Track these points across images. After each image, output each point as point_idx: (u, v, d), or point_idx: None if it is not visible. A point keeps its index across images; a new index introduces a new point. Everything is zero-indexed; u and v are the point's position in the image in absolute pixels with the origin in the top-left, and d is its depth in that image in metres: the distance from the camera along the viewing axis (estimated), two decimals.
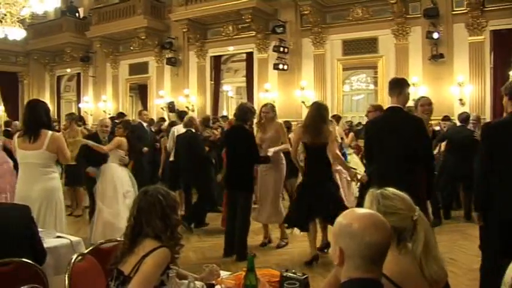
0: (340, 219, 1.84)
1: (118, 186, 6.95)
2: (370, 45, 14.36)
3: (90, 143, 7.01)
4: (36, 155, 5.00)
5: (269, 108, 7.11)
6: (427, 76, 13.10)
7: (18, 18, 11.52)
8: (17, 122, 12.19)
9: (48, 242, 3.73)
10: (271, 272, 3.02)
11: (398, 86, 4.91)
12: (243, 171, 6.52)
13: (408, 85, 5.03)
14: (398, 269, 2.04)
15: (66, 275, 2.82)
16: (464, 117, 8.65)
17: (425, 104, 5.78)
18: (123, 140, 7.09)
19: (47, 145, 4.98)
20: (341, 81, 15.45)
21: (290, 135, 9.27)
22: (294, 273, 2.71)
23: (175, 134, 9.02)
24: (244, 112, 6.70)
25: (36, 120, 5.06)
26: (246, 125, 6.69)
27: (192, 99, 17.52)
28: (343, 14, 14.64)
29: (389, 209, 2.12)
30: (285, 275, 2.69)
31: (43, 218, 4.93)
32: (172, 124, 10.83)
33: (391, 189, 2.23)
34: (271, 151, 6.69)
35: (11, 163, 7.56)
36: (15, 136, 5.24)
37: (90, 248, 3.29)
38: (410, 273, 2.07)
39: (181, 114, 9.58)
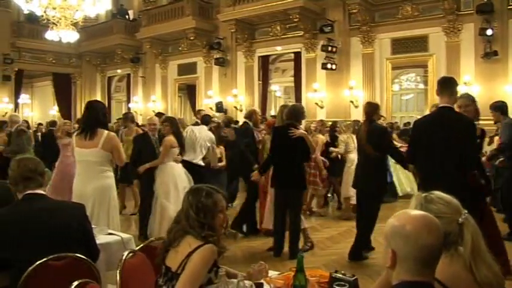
0: (392, 220, 1.82)
1: (178, 183, 7.04)
2: (420, 43, 14.08)
3: (148, 165, 7.11)
4: (91, 153, 5.16)
5: None
6: (479, 75, 12.74)
7: (71, 21, 11.85)
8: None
9: (100, 238, 3.80)
10: (321, 273, 3.00)
11: (449, 85, 4.81)
12: (295, 169, 6.49)
13: (457, 84, 4.92)
14: (450, 273, 1.99)
15: (118, 271, 2.86)
16: None
17: (462, 105, 5.46)
18: (172, 138, 7.10)
19: (102, 144, 5.13)
20: (390, 80, 15.22)
21: (341, 137, 9.27)
22: (343, 274, 2.69)
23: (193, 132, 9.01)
24: (297, 112, 6.70)
25: (93, 120, 5.24)
26: (299, 125, 6.66)
27: (241, 99, 17.61)
28: (392, 12, 14.43)
29: (432, 213, 2.07)
30: (334, 275, 2.67)
31: (96, 215, 5.08)
32: (194, 124, 10.82)
33: (436, 193, 2.18)
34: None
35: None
36: (74, 135, 5.44)
37: (141, 245, 3.34)
38: (461, 277, 2.02)
39: (205, 118, 9.48)
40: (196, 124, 9.95)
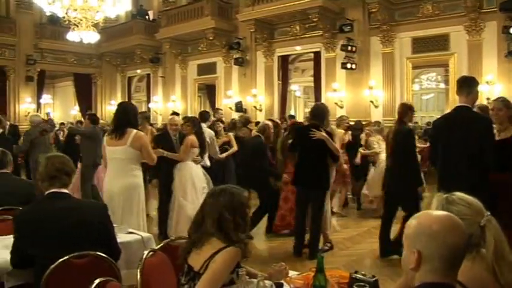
0: (416, 221, 1.80)
1: (196, 182, 7.05)
2: (441, 42, 13.89)
3: (166, 153, 7.12)
4: (120, 151, 5.29)
5: None
6: (502, 74, 12.56)
7: (92, 22, 11.96)
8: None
9: (121, 237, 3.82)
10: (340, 273, 2.99)
11: (467, 85, 4.78)
12: (319, 169, 6.47)
13: (477, 84, 4.87)
14: (472, 275, 1.97)
15: (138, 270, 2.89)
16: None
17: (495, 108, 5.28)
18: (193, 138, 7.11)
19: (130, 142, 5.25)
20: (410, 80, 15.07)
21: (371, 138, 9.27)
22: (363, 275, 2.67)
23: None
24: (321, 111, 6.67)
25: (124, 120, 5.39)
26: (322, 125, 6.59)
27: (260, 99, 17.61)
28: (412, 10, 14.28)
29: (453, 214, 2.05)
30: (354, 276, 2.66)
31: (124, 213, 5.20)
32: None
33: (458, 194, 2.16)
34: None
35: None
36: (105, 135, 5.61)
37: (161, 244, 3.36)
38: (484, 280, 2.00)
39: (204, 115, 9.47)
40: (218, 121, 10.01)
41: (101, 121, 12.54)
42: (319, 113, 6.64)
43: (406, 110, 6.43)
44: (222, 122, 9.84)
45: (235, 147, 9.10)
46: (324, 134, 6.34)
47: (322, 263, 2.54)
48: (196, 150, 7.12)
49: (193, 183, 7.03)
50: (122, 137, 5.28)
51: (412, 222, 1.81)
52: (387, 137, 6.95)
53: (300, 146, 6.74)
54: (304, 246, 6.56)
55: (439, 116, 6.21)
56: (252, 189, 7.78)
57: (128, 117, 5.42)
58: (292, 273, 2.98)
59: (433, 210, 1.97)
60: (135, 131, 5.33)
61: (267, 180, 7.76)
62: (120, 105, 5.87)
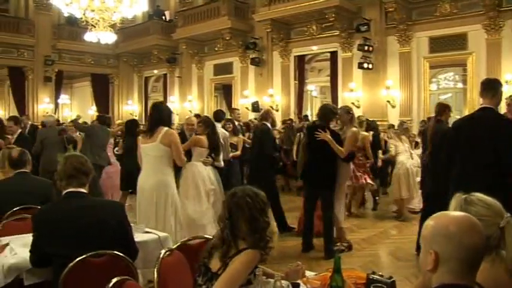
0: (432, 222, 1.78)
1: (200, 184, 7.00)
2: (458, 41, 13.75)
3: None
4: (151, 148, 5.42)
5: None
6: None
7: (109, 23, 12.05)
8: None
9: (137, 236, 3.84)
10: (357, 274, 2.97)
11: (492, 87, 4.71)
12: (324, 170, 6.50)
13: (501, 85, 4.83)
14: (491, 277, 1.94)
15: (155, 269, 2.90)
16: None
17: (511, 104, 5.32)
18: (201, 138, 7.01)
19: (160, 138, 5.36)
20: (428, 80, 14.92)
21: (391, 141, 9.23)
22: (380, 275, 2.66)
23: None
24: (327, 112, 6.68)
25: (158, 119, 5.52)
26: (329, 125, 6.60)
27: (277, 98, 17.60)
28: (429, 10, 14.17)
29: (471, 215, 2.02)
30: (371, 277, 2.65)
31: (155, 210, 5.36)
32: None
33: (477, 194, 2.13)
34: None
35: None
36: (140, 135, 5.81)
37: (178, 243, 3.37)
38: (503, 282, 1.98)
39: (219, 115, 9.51)
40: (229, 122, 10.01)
41: (117, 121, 12.66)
42: (324, 114, 6.69)
43: (442, 108, 6.53)
44: (233, 122, 9.81)
45: (238, 152, 9.17)
46: (328, 135, 6.36)
47: (339, 263, 2.53)
48: (205, 152, 7.04)
49: (196, 184, 6.97)
50: (153, 134, 5.41)
51: (429, 222, 1.79)
52: (422, 134, 7.00)
53: (308, 145, 6.86)
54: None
55: (457, 117, 6.19)
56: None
57: (161, 117, 5.55)
58: (308, 274, 2.97)
59: (450, 211, 1.95)
60: (165, 128, 5.44)
61: (273, 177, 7.95)
62: (153, 105, 6.00)
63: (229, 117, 10.68)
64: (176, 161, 5.62)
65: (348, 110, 7.01)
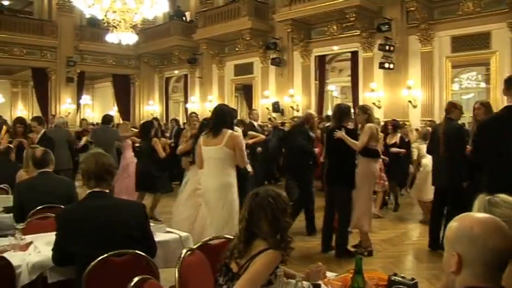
0: (456, 224, 1.74)
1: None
2: (482, 40, 13.54)
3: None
4: (215, 150, 5.46)
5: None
6: None
7: (130, 24, 12.14)
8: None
9: (159, 236, 3.88)
10: (379, 275, 2.96)
11: None
12: (341, 167, 6.51)
13: None
14: None
15: (176, 269, 2.92)
16: None
17: None
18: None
19: (225, 142, 5.40)
20: (450, 79, 14.72)
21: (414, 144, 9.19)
22: (402, 277, 2.64)
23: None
24: (337, 112, 6.73)
25: (220, 121, 5.58)
26: (344, 124, 6.58)
27: (297, 99, 17.57)
28: (452, 8, 13.99)
29: (496, 216, 1.99)
30: (393, 279, 2.64)
31: (217, 212, 5.44)
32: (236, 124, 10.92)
33: (502, 196, 2.08)
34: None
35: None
36: (202, 134, 5.78)
37: (199, 243, 3.38)
38: None
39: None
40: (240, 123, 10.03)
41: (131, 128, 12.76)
42: (334, 113, 6.81)
43: (451, 107, 6.68)
44: (244, 124, 9.84)
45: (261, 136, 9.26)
46: (343, 133, 6.37)
47: (361, 264, 2.51)
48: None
49: (194, 184, 6.99)
50: (217, 137, 5.45)
51: (453, 224, 1.75)
52: (432, 134, 7.02)
53: (327, 148, 7.02)
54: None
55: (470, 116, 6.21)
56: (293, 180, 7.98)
57: (224, 118, 5.60)
58: (329, 275, 2.96)
59: (475, 213, 1.92)
60: (230, 131, 5.49)
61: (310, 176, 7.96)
62: (217, 107, 6.06)
63: (247, 117, 10.75)
64: (239, 164, 5.67)
65: (365, 109, 6.95)
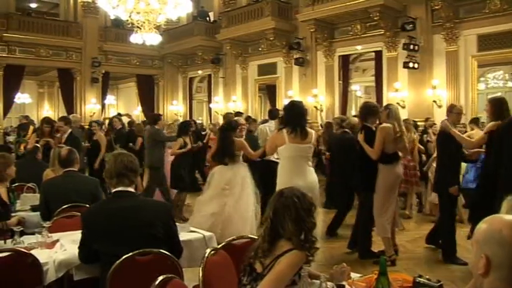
0: (485, 225, 1.70)
1: (221, 184, 7.13)
2: (509, 39, 13.21)
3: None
4: (306, 149, 5.58)
5: None
6: None
7: (154, 24, 12.23)
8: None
9: (183, 235, 3.90)
10: (404, 277, 2.93)
11: None
12: (361, 170, 6.53)
13: None
14: None
15: (200, 268, 2.94)
16: None
17: None
18: (240, 141, 7.23)
19: (313, 140, 5.62)
20: (476, 79, 14.53)
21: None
22: (428, 279, 2.61)
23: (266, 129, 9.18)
24: (366, 109, 6.64)
25: (298, 117, 5.62)
26: (369, 124, 6.48)
27: (321, 99, 17.48)
28: (478, 6, 13.74)
29: None
30: (418, 280, 2.61)
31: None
32: (263, 121, 10.87)
33: None
34: None
35: None
36: (284, 131, 5.61)
37: (223, 243, 3.40)
38: None
39: (273, 113, 9.56)
40: (265, 121, 10.00)
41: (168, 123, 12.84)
42: (360, 111, 6.80)
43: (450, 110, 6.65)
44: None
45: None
46: (361, 139, 6.31)
47: (385, 265, 2.50)
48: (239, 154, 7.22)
49: (218, 182, 7.10)
50: (306, 134, 5.52)
51: (482, 226, 1.72)
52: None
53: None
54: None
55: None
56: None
57: (306, 117, 5.79)
58: (354, 276, 2.95)
59: (504, 214, 1.88)
60: (311, 129, 5.68)
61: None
62: (296, 103, 6.09)
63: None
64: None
65: (386, 106, 6.94)
